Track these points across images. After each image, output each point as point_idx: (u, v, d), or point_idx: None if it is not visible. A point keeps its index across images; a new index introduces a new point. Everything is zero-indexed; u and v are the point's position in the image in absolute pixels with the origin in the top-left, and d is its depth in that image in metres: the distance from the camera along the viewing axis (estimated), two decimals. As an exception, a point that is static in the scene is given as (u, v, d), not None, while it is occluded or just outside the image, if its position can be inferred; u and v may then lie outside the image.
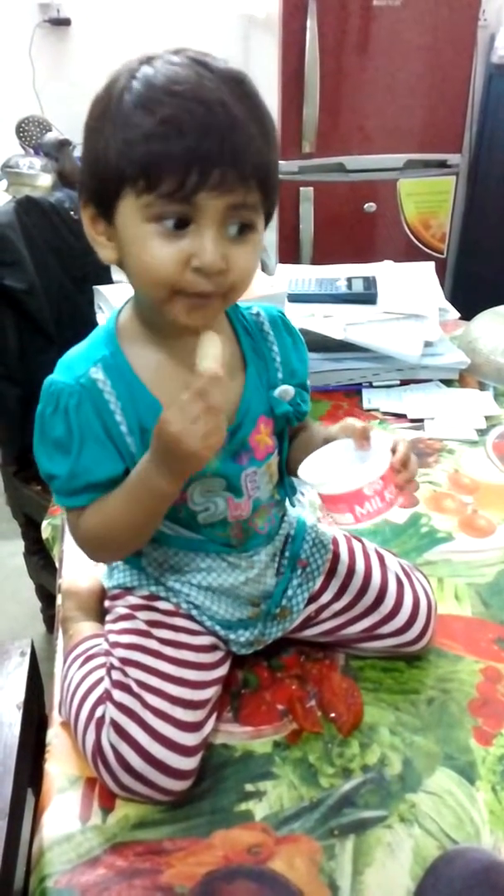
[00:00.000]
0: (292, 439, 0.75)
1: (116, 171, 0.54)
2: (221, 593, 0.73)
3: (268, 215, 0.60)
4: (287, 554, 0.78)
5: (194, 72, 0.53)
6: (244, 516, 0.70)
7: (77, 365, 0.63)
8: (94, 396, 0.62)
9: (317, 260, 2.16)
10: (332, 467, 0.67)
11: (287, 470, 0.75)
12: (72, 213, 1.53)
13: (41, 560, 1.54)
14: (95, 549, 0.67)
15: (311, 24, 1.95)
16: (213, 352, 0.57)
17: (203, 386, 0.55)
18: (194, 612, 0.72)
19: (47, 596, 1.59)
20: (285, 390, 0.70)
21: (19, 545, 1.61)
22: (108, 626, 0.73)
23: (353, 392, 1.32)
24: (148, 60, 0.55)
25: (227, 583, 0.72)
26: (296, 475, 0.70)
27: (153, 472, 0.59)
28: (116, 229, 0.57)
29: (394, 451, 0.67)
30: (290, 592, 0.76)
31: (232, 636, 0.73)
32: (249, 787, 0.67)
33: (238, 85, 0.55)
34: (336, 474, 0.65)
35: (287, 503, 0.78)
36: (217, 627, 0.72)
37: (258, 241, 0.59)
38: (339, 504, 0.64)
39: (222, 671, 0.73)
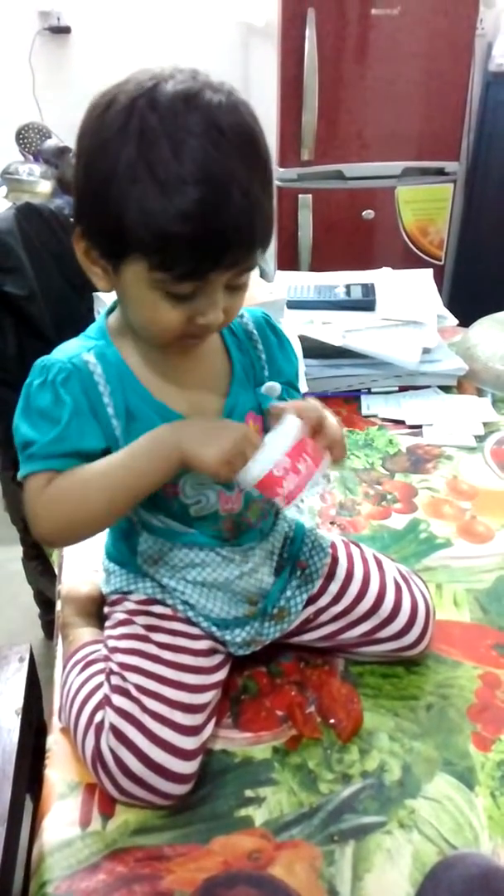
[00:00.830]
0: None
1: (131, 238, 0.54)
2: (217, 589, 0.73)
3: None
4: (286, 555, 0.78)
5: (211, 143, 0.52)
6: (236, 510, 0.71)
7: (70, 349, 0.65)
8: (84, 376, 0.63)
9: (315, 267, 2.16)
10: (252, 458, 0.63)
11: None
12: (71, 219, 1.54)
13: (40, 565, 1.54)
14: (55, 517, 0.63)
15: (310, 33, 1.96)
16: (217, 354, 0.62)
17: (252, 435, 0.62)
18: (190, 614, 0.72)
19: (46, 601, 1.59)
20: (271, 387, 0.72)
21: (18, 551, 1.60)
22: (106, 632, 0.74)
23: (351, 398, 1.32)
24: (153, 104, 0.53)
25: (222, 577, 0.72)
26: None
27: (173, 436, 0.61)
28: (120, 279, 0.59)
29: (303, 417, 0.64)
30: (288, 593, 0.77)
31: (228, 636, 0.74)
32: (249, 793, 0.68)
33: (251, 149, 0.55)
34: (249, 465, 0.62)
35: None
36: (213, 628, 0.73)
37: (249, 280, 0.62)
38: (264, 491, 0.63)
39: (221, 675, 0.73)
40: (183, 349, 0.64)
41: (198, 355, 0.67)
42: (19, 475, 0.63)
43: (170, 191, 0.52)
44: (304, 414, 0.64)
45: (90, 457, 0.63)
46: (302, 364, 1.17)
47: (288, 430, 0.63)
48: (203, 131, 0.53)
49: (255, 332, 0.73)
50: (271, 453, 0.62)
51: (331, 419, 0.67)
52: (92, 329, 0.68)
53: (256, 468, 0.62)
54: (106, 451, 0.64)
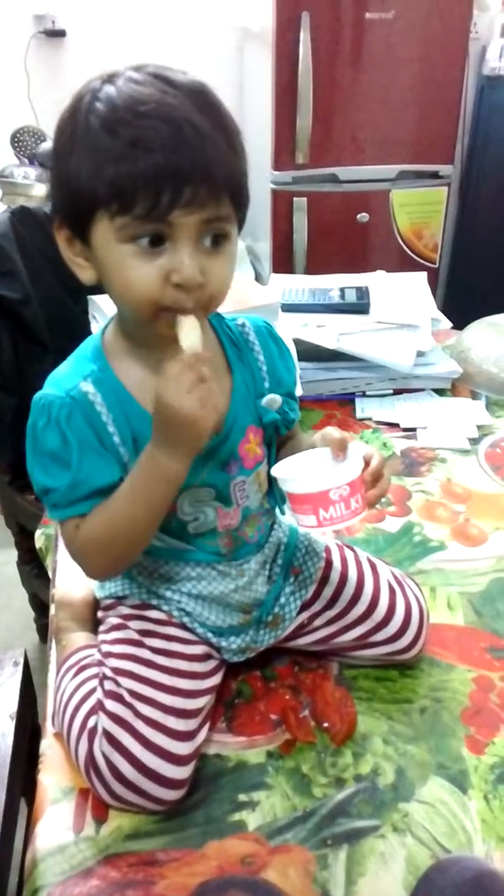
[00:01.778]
0: (281, 448, 0.76)
1: (88, 195, 0.54)
2: (212, 601, 0.73)
3: (240, 223, 0.60)
4: (279, 561, 0.78)
5: (157, 89, 0.53)
6: (234, 525, 0.71)
7: (66, 379, 0.63)
8: (86, 408, 0.62)
9: (310, 270, 2.17)
10: (303, 469, 0.67)
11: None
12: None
13: (35, 569, 1.53)
14: (95, 557, 0.65)
15: (305, 37, 1.97)
16: (192, 333, 0.58)
17: (189, 359, 0.56)
18: (186, 620, 0.72)
19: (41, 605, 1.59)
20: (272, 399, 0.71)
21: (13, 554, 1.60)
22: (100, 637, 0.73)
23: (346, 401, 1.32)
24: (110, 79, 0.55)
25: (217, 591, 0.72)
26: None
27: (158, 455, 0.59)
28: (93, 251, 0.58)
29: (368, 462, 0.67)
30: (282, 600, 0.77)
31: (224, 643, 0.73)
32: (243, 798, 0.68)
33: (202, 98, 0.55)
34: (305, 475, 0.65)
35: (277, 511, 0.78)
36: (209, 634, 0.73)
37: (232, 250, 0.60)
38: (304, 504, 0.64)
39: (215, 680, 0.73)
40: (174, 329, 0.58)
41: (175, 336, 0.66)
42: (50, 517, 0.65)
43: (115, 131, 0.53)
44: (368, 458, 0.67)
45: (109, 490, 0.63)
46: (297, 368, 1.17)
47: (356, 464, 0.65)
48: (149, 82, 0.54)
49: (255, 341, 0.72)
50: (338, 476, 0.64)
51: (388, 474, 0.69)
52: (87, 349, 0.66)
53: (316, 481, 0.63)
54: (123, 479, 0.63)
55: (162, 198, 0.53)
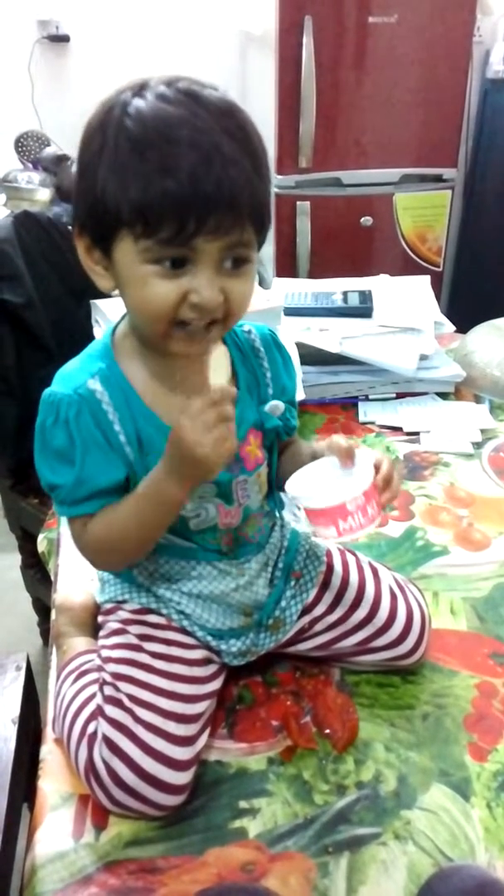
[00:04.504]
0: (281, 453, 0.76)
1: (113, 213, 0.55)
2: (212, 601, 0.73)
3: (260, 243, 0.61)
4: (280, 565, 0.78)
5: (188, 110, 0.53)
6: (234, 524, 0.71)
7: (74, 377, 0.64)
8: (93, 406, 0.63)
9: (314, 273, 2.17)
10: (316, 482, 0.68)
11: (276, 483, 0.76)
12: (70, 227, 1.54)
13: (38, 573, 1.54)
14: (100, 556, 0.68)
15: (308, 41, 1.97)
16: (223, 365, 0.60)
17: (217, 396, 0.57)
18: (185, 623, 0.72)
19: (44, 609, 1.59)
20: (275, 405, 0.72)
21: (16, 558, 1.60)
22: (100, 642, 0.73)
23: (349, 405, 1.32)
24: (140, 92, 0.55)
25: (218, 590, 0.72)
26: (284, 489, 0.70)
27: (165, 479, 0.60)
28: (114, 264, 0.59)
29: (377, 468, 0.68)
30: (283, 603, 0.77)
31: (224, 646, 0.73)
32: (243, 804, 0.67)
33: (232, 120, 0.55)
34: (320, 489, 0.66)
35: (277, 514, 0.79)
36: (209, 638, 0.72)
37: (253, 271, 0.60)
38: (322, 518, 0.65)
39: (215, 685, 0.73)
40: (188, 348, 0.60)
41: (203, 370, 0.66)
42: (58, 515, 0.67)
43: (144, 154, 0.53)
44: (378, 464, 0.68)
45: (116, 489, 0.64)
46: (299, 371, 1.17)
47: (367, 473, 0.66)
48: (179, 101, 0.54)
49: (261, 349, 0.73)
50: (352, 487, 0.64)
51: (398, 477, 0.69)
52: (96, 347, 0.67)
53: (332, 495, 0.64)
54: (128, 479, 0.65)
55: (187, 225, 0.53)
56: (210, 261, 0.56)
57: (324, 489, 0.65)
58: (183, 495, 0.61)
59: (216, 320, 0.59)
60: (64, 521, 0.98)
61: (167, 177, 0.52)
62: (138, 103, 0.54)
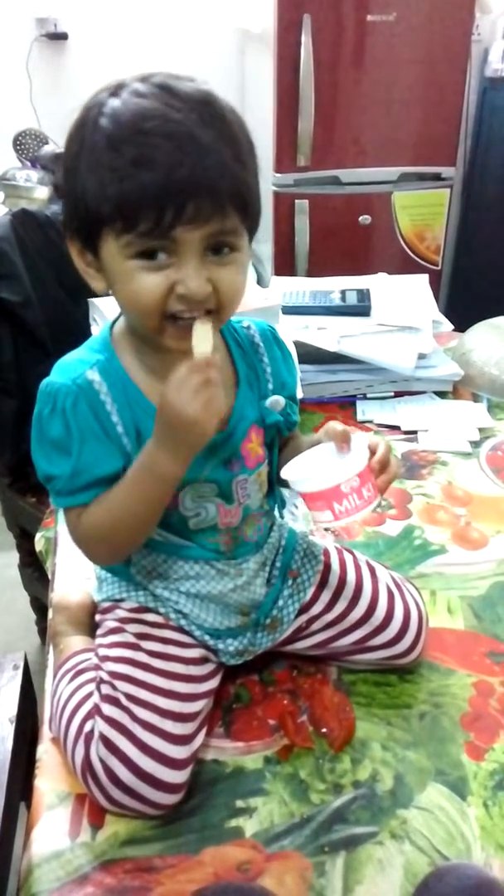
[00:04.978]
0: (282, 449, 0.76)
1: (94, 213, 0.55)
2: (210, 601, 0.73)
3: (251, 232, 0.60)
4: (278, 564, 0.78)
5: (161, 102, 0.53)
6: (234, 524, 0.71)
7: (73, 367, 0.64)
8: (90, 397, 0.63)
9: (312, 272, 2.16)
10: (312, 467, 0.68)
11: (277, 481, 0.75)
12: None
13: (36, 572, 1.54)
14: (96, 546, 0.67)
15: (306, 39, 1.97)
16: (206, 337, 0.58)
17: (199, 363, 0.57)
18: (183, 622, 0.72)
19: (42, 608, 1.59)
20: (276, 401, 0.72)
21: (14, 557, 1.60)
22: (97, 640, 0.73)
23: (347, 404, 1.32)
24: (115, 91, 0.55)
25: (216, 590, 0.72)
26: (285, 485, 0.70)
27: (158, 454, 0.59)
28: (103, 264, 0.59)
29: (373, 451, 0.68)
30: (280, 603, 0.76)
31: (221, 645, 0.73)
32: (240, 804, 0.67)
33: (207, 109, 0.55)
34: (315, 473, 0.66)
35: (277, 513, 0.78)
36: (206, 637, 0.72)
37: (242, 259, 0.60)
38: (317, 501, 0.65)
39: (213, 684, 0.73)
40: (181, 342, 0.59)
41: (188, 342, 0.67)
42: (54, 505, 0.66)
43: (119, 149, 0.53)
44: (373, 447, 0.68)
45: (112, 479, 0.64)
46: (298, 370, 1.17)
47: (362, 455, 0.66)
48: (153, 94, 0.54)
49: (261, 344, 0.73)
50: (346, 469, 0.64)
51: (395, 460, 0.69)
52: (95, 340, 0.67)
53: (326, 477, 0.64)
54: (125, 469, 0.64)
55: (165, 215, 0.53)
56: (193, 250, 0.56)
57: (319, 473, 0.65)
58: (177, 468, 0.60)
59: (209, 311, 0.59)
60: (62, 519, 0.99)
61: (141, 169, 0.52)
62: (113, 102, 0.55)
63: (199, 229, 0.55)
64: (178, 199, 0.53)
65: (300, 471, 0.68)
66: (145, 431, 0.63)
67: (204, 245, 0.56)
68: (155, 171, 0.52)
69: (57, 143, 2.13)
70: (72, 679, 0.72)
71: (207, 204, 0.54)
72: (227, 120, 0.56)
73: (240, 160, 0.56)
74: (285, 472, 0.68)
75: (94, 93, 0.57)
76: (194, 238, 0.55)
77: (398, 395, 1.34)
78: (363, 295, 1.43)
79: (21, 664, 0.96)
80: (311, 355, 1.29)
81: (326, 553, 0.81)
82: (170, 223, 0.53)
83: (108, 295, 0.63)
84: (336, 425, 0.68)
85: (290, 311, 1.37)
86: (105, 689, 0.67)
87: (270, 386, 0.73)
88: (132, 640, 0.70)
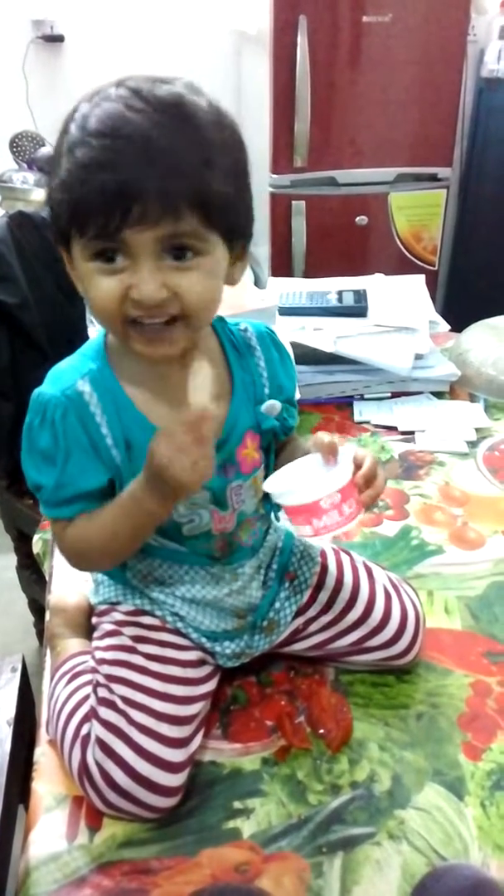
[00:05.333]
0: (279, 453, 0.76)
1: (58, 217, 0.56)
2: (206, 605, 0.73)
3: (229, 234, 0.58)
4: (275, 566, 0.78)
5: (124, 105, 0.53)
6: (229, 529, 0.71)
7: (64, 377, 0.64)
8: (80, 408, 0.63)
9: (309, 273, 2.17)
10: (296, 479, 0.67)
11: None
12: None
13: (33, 574, 1.53)
14: (79, 557, 0.68)
15: (302, 40, 1.97)
16: (203, 384, 0.58)
17: (193, 419, 0.56)
18: (180, 625, 0.72)
19: (40, 610, 1.59)
20: (272, 405, 0.71)
21: (12, 559, 1.60)
22: (94, 643, 0.73)
23: (344, 404, 1.32)
24: (91, 97, 0.55)
25: (211, 595, 0.72)
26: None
27: (144, 492, 0.59)
28: (74, 266, 0.59)
29: (359, 465, 0.67)
30: (277, 605, 0.76)
31: (218, 648, 0.73)
32: (237, 805, 0.67)
33: (173, 110, 0.53)
34: (298, 486, 0.65)
35: (272, 517, 0.78)
36: (203, 640, 0.72)
37: (210, 264, 0.57)
38: (298, 516, 0.65)
39: (209, 686, 0.73)
40: (149, 348, 0.59)
41: (183, 385, 0.66)
42: (42, 513, 0.67)
43: (74, 152, 0.53)
44: (359, 461, 0.67)
45: (98, 493, 0.64)
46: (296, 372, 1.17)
47: (346, 470, 0.65)
48: (119, 97, 0.53)
49: (257, 347, 0.71)
50: (327, 484, 0.64)
51: (382, 474, 0.68)
52: (90, 347, 0.67)
53: (307, 492, 0.63)
54: (112, 482, 0.64)
55: (111, 219, 0.52)
56: (146, 253, 0.54)
57: (301, 486, 0.65)
58: (161, 511, 0.60)
59: (175, 318, 0.57)
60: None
61: (90, 171, 0.52)
62: (83, 108, 0.55)
63: (147, 231, 0.53)
64: (124, 202, 0.52)
65: (282, 483, 0.67)
66: (135, 442, 0.63)
67: (158, 248, 0.54)
68: (101, 173, 0.52)
69: (53, 145, 2.13)
70: (69, 682, 0.72)
71: (157, 206, 0.52)
72: (195, 121, 0.54)
73: (206, 162, 0.54)
74: (268, 484, 0.68)
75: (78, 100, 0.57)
76: (146, 240, 0.54)
77: (395, 395, 1.34)
78: (360, 296, 1.43)
79: (19, 666, 0.96)
80: (307, 356, 1.29)
81: (323, 554, 0.81)
82: (117, 225, 0.53)
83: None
84: (323, 436, 0.67)
85: (286, 312, 1.37)
86: (101, 692, 0.67)
87: (267, 390, 0.71)
88: (129, 642, 0.70)
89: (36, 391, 0.64)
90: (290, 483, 0.66)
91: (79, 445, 0.62)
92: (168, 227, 0.53)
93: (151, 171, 0.52)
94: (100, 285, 0.56)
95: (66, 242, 0.58)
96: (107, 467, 0.64)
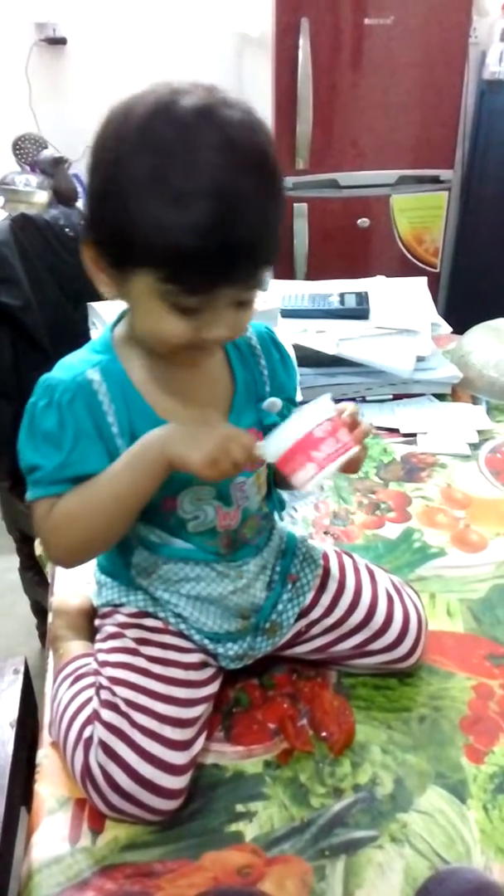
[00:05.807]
0: None
1: (143, 250, 0.55)
2: (210, 603, 0.73)
3: None
4: (277, 568, 0.78)
5: (225, 159, 0.53)
6: (233, 526, 0.71)
7: (75, 366, 0.64)
8: (88, 396, 0.63)
9: (311, 275, 2.17)
10: (282, 430, 0.63)
11: (275, 483, 0.76)
12: (66, 230, 1.54)
13: (36, 576, 1.54)
14: (65, 535, 0.64)
15: (304, 42, 1.97)
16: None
17: (247, 442, 0.60)
18: (182, 627, 0.72)
19: (42, 612, 1.59)
20: (273, 403, 0.72)
21: (14, 561, 1.60)
22: (97, 645, 0.73)
23: (346, 407, 1.32)
24: (170, 120, 0.53)
25: (216, 592, 0.72)
26: (283, 488, 0.70)
27: (158, 441, 0.60)
28: (127, 289, 0.59)
29: (341, 412, 0.65)
30: (280, 607, 0.77)
31: (221, 650, 0.73)
32: (240, 808, 0.67)
33: (263, 167, 0.55)
34: (285, 432, 0.62)
35: (276, 516, 0.79)
36: (206, 641, 0.72)
37: (255, 298, 0.62)
38: (296, 457, 0.61)
39: (212, 689, 0.73)
40: (187, 360, 0.64)
41: (202, 370, 0.67)
42: (27, 499, 0.65)
43: (183, 205, 0.52)
44: (340, 409, 0.65)
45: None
46: (297, 373, 1.17)
47: (328, 405, 0.63)
48: (218, 147, 0.53)
49: (258, 346, 0.73)
50: (314, 416, 0.61)
51: (365, 422, 0.67)
52: (97, 342, 0.67)
53: (297, 428, 0.61)
54: None
55: (213, 277, 0.55)
56: (225, 304, 0.58)
57: (288, 430, 0.62)
58: (164, 472, 0.60)
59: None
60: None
61: (204, 235, 0.52)
62: (165, 132, 0.53)
63: (236, 287, 0.57)
64: (228, 264, 0.55)
65: (273, 440, 0.63)
66: (140, 433, 0.63)
67: (235, 298, 0.59)
68: (214, 236, 0.53)
69: (56, 147, 2.13)
70: (71, 684, 0.72)
71: (253, 269, 0.57)
72: (274, 175, 0.57)
73: (277, 217, 0.57)
74: (257, 447, 0.63)
75: (134, 102, 0.55)
76: (231, 293, 0.58)
77: (397, 397, 1.34)
78: (362, 298, 1.43)
79: (21, 668, 0.96)
80: (309, 358, 1.29)
81: (326, 557, 0.81)
82: (215, 284, 0.56)
83: (111, 299, 0.63)
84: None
85: (288, 314, 1.37)
86: (104, 695, 0.67)
87: (268, 388, 0.73)
88: (131, 645, 0.70)
89: (44, 376, 0.64)
90: (280, 434, 0.63)
91: (85, 432, 0.63)
92: (252, 283, 0.59)
93: (256, 237, 0.55)
94: (170, 325, 0.58)
95: (124, 265, 0.57)
96: (109, 456, 0.64)
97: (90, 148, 0.58)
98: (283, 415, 0.73)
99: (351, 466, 0.64)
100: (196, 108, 0.53)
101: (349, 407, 0.66)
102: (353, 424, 0.64)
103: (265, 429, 0.71)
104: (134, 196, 0.53)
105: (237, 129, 0.54)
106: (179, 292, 0.56)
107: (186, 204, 0.52)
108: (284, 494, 0.80)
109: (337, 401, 0.65)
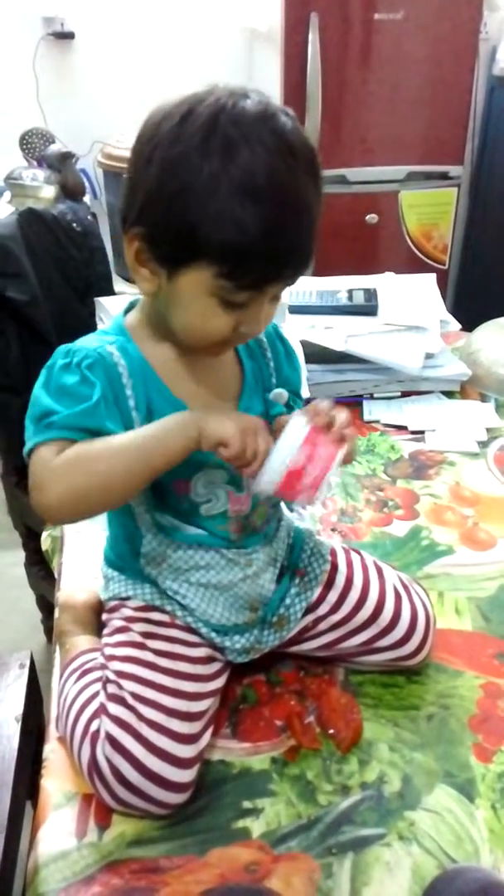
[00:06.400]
0: None
1: (201, 244, 0.56)
2: (219, 593, 0.72)
3: None
4: (286, 563, 0.78)
5: (287, 163, 0.56)
6: (244, 511, 0.72)
7: (91, 342, 0.65)
8: (109, 366, 0.63)
9: (319, 271, 2.15)
10: (265, 468, 0.62)
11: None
12: (74, 225, 1.54)
13: (42, 571, 1.54)
14: (61, 483, 0.59)
15: (313, 37, 1.96)
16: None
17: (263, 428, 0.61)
18: (189, 620, 0.72)
19: (48, 606, 1.59)
20: (279, 393, 0.74)
21: (20, 555, 1.61)
22: (104, 640, 0.73)
23: (353, 404, 1.31)
24: (236, 118, 0.55)
25: (226, 580, 0.72)
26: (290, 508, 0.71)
27: (193, 415, 0.61)
28: (174, 284, 0.60)
29: (315, 415, 0.64)
30: (287, 601, 0.76)
31: (227, 643, 0.73)
32: (247, 804, 0.67)
33: (314, 171, 0.59)
34: (266, 472, 0.61)
35: (284, 507, 0.80)
36: (213, 634, 0.72)
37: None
38: (288, 492, 0.61)
39: (219, 683, 0.73)
40: (211, 352, 0.66)
41: (213, 361, 0.69)
42: (29, 444, 0.61)
43: (252, 202, 0.55)
44: (312, 413, 0.64)
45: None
46: (304, 369, 1.16)
47: (295, 425, 0.62)
48: (279, 151, 0.56)
49: (264, 339, 0.75)
50: (284, 449, 0.61)
51: (341, 415, 0.65)
52: (110, 327, 0.69)
53: (275, 467, 0.61)
54: None
55: (268, 273, 0.59)
56: (268, 298, 0.61)
57: (268, 468, 0.61)
58: (187, 447, 0.59)
59: None
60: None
61: (271, 235, 0.55)
62: (239, 141, 0.55)
63: (283, 284, 0.61)
64: (282, 264, 0.58)
65: (262, 478, 0.62)
66: (156, 410, 0.65)
67: (276, 293, 0.62)
68: (281, 239, 0.56)
69: (63, 142, 2.13)
70: (78, 678, 0.72)
71: (301, 268, 0.60)
72: (321, 179, 0.60)
73: (318, 219, 0.61)
74: (256, 488, 0.63)
75: (206, 107, 0.56)
76: (274, 290, 0.61)
77: (405, 394, 1.33)
78: (370, 294, 1.42)
79: (27, 663, 0.96)
80: (317, 355, 1.28)
81: (333, 553, 0.80)
82: (268, 281, 0.59)
83: (113, 293, 0.63)
84: (281, 418, 0.69)
85: (296, 310, 1.37)
86: (111, 689, 0.67)
87: (274, 381, 0.75)
88: (138, 639, 0.70)
89: (65, 345, 0.64)
90: (266, 470, 0.61)
91: (106, 395, 0.62)
92: (293, 281, 0.62)
93: (309, 240, 0.59)
94: (215, 320, 0.61)
95: (175, 259, 0.58)
96: (124, 427, 0.62)
97: (137, 145, 0.60)
98: (290, 406, 0.75)
99: (345, 460, 0.64)
100: (258, 111, 0.56)
101: (321, 406, 0.64)
102: (328, 425, 0.63)
103: (271, 418, 0.72)
104: (201, 192, 0.55)
105: (292, 134, 0.57)
106: (233, 288, 0.58)
107: (255, 201, 0.55)
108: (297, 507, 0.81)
109: (347, 401, 0.65)
